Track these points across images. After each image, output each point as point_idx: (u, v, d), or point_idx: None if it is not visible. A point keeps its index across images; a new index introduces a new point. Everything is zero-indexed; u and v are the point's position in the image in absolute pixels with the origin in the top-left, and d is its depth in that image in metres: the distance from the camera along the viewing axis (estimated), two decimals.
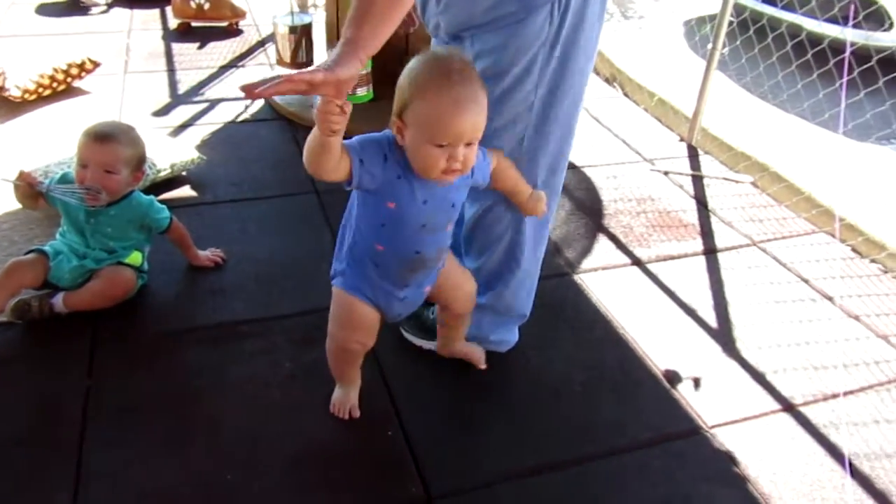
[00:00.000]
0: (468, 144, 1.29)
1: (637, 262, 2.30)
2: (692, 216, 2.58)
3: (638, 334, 1.97)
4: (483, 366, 1.80)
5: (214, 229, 2.26)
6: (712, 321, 2.06)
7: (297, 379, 1.75)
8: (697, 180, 2.85)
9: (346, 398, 1.67)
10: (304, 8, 4.01)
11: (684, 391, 1.80)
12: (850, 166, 2.90)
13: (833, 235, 2.51)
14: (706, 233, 2.48)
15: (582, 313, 2.06)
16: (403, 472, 1.54)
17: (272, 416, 1.64)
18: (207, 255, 2.10)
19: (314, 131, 1.18)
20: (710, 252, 2.38)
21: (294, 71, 3.16)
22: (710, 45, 2.94)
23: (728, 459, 1.63)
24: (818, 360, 1.93)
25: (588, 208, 2.58)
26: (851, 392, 1.83)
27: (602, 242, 2.38)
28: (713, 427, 1.70)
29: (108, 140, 1.82)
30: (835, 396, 1.81)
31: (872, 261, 2.40)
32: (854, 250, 2.45)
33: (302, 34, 3.13)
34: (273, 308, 1.96)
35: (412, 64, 1.30)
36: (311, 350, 1.82)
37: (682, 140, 3.15)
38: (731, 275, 2.27)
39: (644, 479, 1.57)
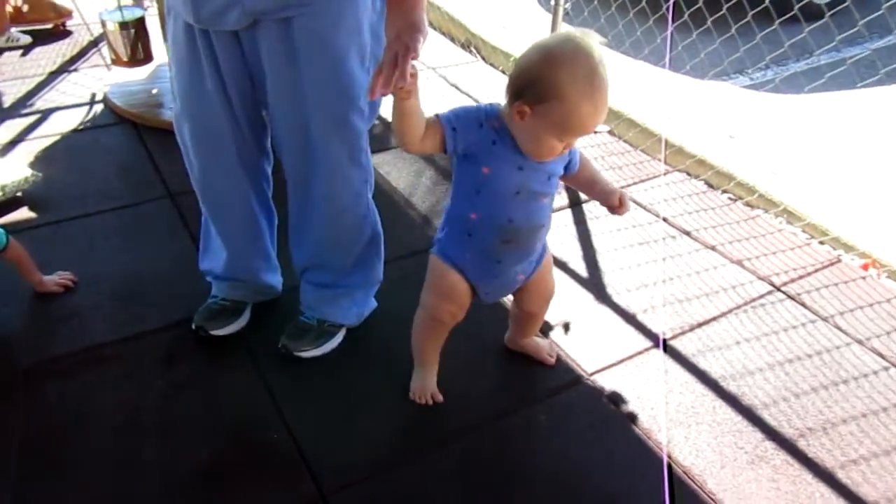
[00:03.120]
0: None
1: None
2: None
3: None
4: (552, 361, 1.77)
5: (60, 251, 2.09)
6: (583, 271, 2.12)
7: (171, 397, 1.66)
8: None
9: (425, 383, 1.67)
10: (136, 0, 3.74)
11: (563, 343, 1.84)
12: (694, 103, 3.05)
13: (688, 173, 2.65)
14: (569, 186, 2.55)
15: None
16: (293, 473, 1.50)
17: (148, 442, 1.55)
18: (54, 279, 1.94)
19: (393, 102, 1.22)
20: (576, 204, 2.44)
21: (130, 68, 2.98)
22: (552, 2, 2.99)
23: (610, 403, 1.69)
24: (682, 294, 2.03)
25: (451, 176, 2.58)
26: (714, 318, 1.94)
27: None
28: (593, 374, 1.76)
29: None
30: (700, 325, 1.92)
31: (723, 192, 2.54)
32: (707, 184, 2.59)
33: (135, 29, 2.92)
34: (136, 325, 1.84)
35: (550, 54, 1.24)
36: (184, 363, 1.73)
37: None
38: (597, 224, 2.34)
39: (533, 437, 1.60)
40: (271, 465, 1.52)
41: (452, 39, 3.84)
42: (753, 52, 2.92)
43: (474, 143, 1.35)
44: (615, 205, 1.47)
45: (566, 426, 1.63)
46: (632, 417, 1.65)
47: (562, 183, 1.49)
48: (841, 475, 1.52)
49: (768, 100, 3.10)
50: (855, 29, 2.41)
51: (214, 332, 1.80)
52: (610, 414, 1.66)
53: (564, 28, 3.23)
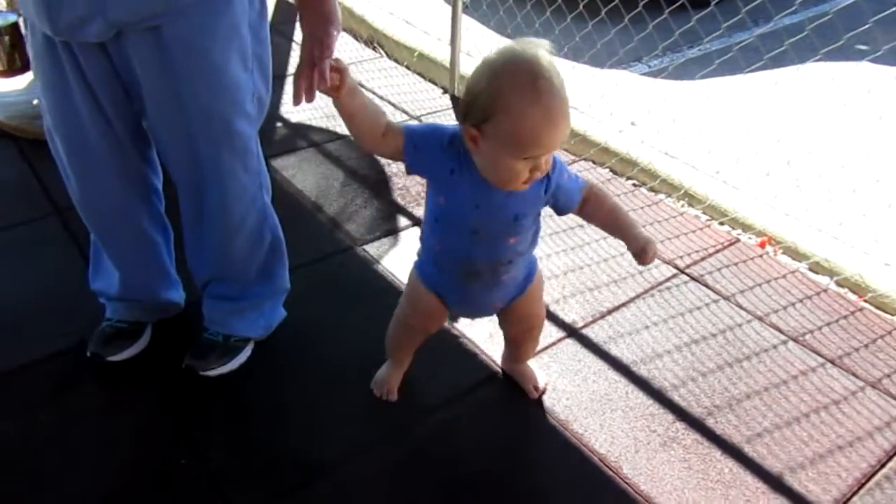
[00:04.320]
0: None
1: (417, 222, 2.30)
2: None
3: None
4: (535, 395, 1.68)
5: None
6: None
7: (63, 430, 1.55)
8: None
9: (386, 377, 1.65)
10: (10, 5, 3.50)
11: (476, 338, 1.83)
12: (595, 92, 3.11)
13: (593, 161, 2.69)
14: None
15: (372, 285, 2.03)
16: (204, 498, 1.43)
17: (36, 485, 1.44)
18: None
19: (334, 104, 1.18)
20: None
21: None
22: None
23: (526, 396, 1.69)
24: (591, 282, 2.06)
25: (361, 177, 2.54)
26: (623, 305, 1.98)
27: (380, 209, 2.36)
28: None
29: None
30: (610, 312, 1.95)
31: (627, 178, 2.60)
32: (612, 171, 2.64)
33: (9, 36, 2.72)
34: (20, 356, 1.71)
35: (490, 68, 1.14)
36: (77, 394, 1.62)
37: (445, 92, 3.19)
38: None
39: (454, 436, 1.59)
40: (180, 494, 1.44)
41: (355, 36, 3.77)
42: (648, 40, 3.00)
43: (431, 168, 1.26)
44: (638, 255, 1.30)
45: (486, 423, 1.62)
46: (548, 410, 1.66)
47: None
48: (748, 449, 1.58)
49: (665, 86, 3.19)
50: (739, 17, 2.51)
51: (112, 359, 1.70)
52: (527, 408, 1.67)
53: (465, 21, 3.23)
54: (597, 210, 1.36)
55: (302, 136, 2.76)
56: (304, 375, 1.72)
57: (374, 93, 3.15)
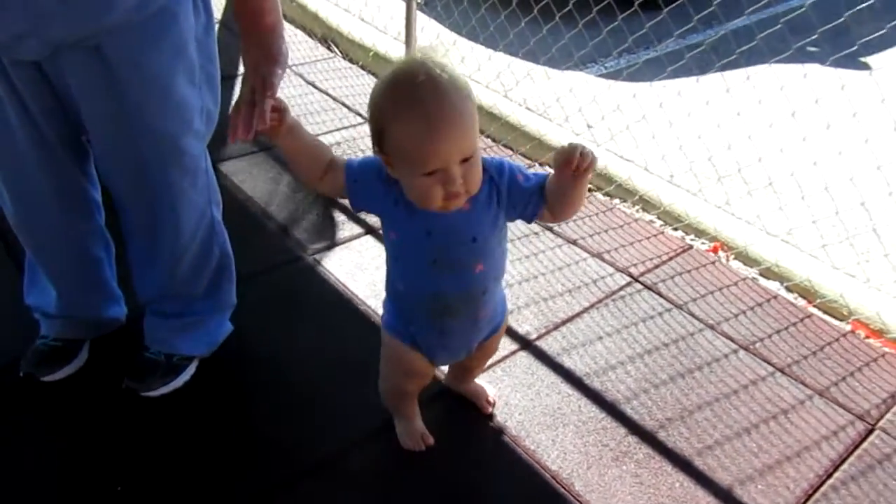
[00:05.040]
0: (465, 160, 1.08)
1: (370, 230, 2.26)
2: None
3: (380, 307, 1.94)
4: (489, 410, 1.64)
5: None
6: None
7: None
8: None
9: (412, 428, 1.54)
10: None
11: None
12: (552, 94, 3.10)
13: (549, 166, 2.68)
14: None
15: (323, 296, 1.98)
16: None
17: None
18: None
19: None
20: None
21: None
22: None
23: (477, 411, 1.67)
24: (546, 292, 2.04)
25: None
26: (577, 315, 1.97)
27: (332, 216, 2.31)
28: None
29: None
30: (564, 323, 1.94)
31: None
32: None
33: None
34: None
35: (374, 88, 1.10)
36: (8, 414, 1.55)
37: None
38: None
39: (407, 455, 1.55)
40: None
41: (310, 34, 3.70)
42: (602, 44, 3.00)
43: (374, 201, 1.20)
44: (575, 163, 1.08)
45: (441, 441, 1.58)
46: (501, 426, 1.64)
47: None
48: (699, 462, 1.58)
49: (620, 89, 3.19)
50: (691, 25, 2.52)
51: (47, 379, 1.62)
52: (478, 424, 1.64)
53: (421, 20, 3.18)
54: (551, 200, 1.19)
55: (253, 140, 2.68)
56: (251, 392, 1.67)
57: (328, 94, 3.09)
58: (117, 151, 1.36)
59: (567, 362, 1.81)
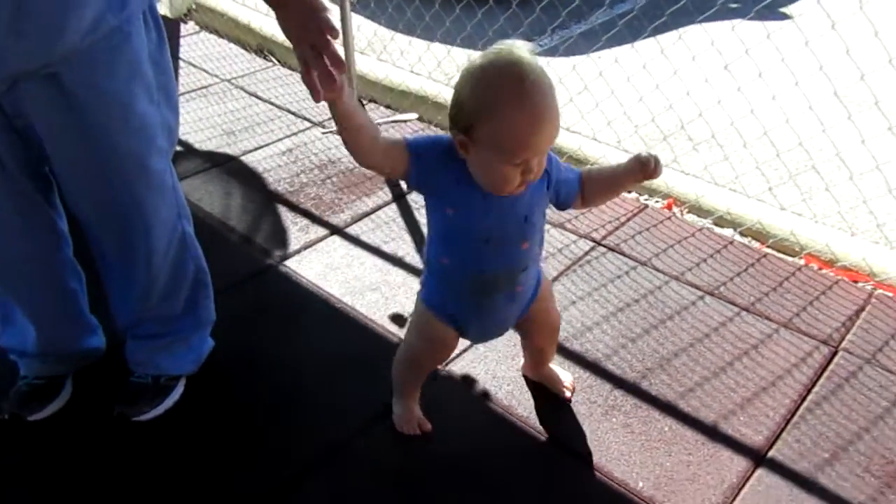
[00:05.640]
0: None
1: (335, 230, 2.28)
2: None
3: (357, 302, 1.97)
4: (569, 395, 1.67)
5: None
6: (417, 262, 2.13)
7: None
8: None
9: (409, 413, 1.58)
10: None
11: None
12: None
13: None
14: (391, 180, 2.54)
15: (299, 301, 2.00)
16: None
17: None
18: None
19: (335, 118, 1.11)
20: (400, 197, 2.44)
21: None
22: None
23: (468, 388, 1.71)
24: None
25: (271, 191, 2.49)
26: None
27: (295, 222, 2.32)
28: (447, 364, 1.77)
29: None
30: None
31: None
32: None
33: None
34: None
35: (473, 73, 1.12)
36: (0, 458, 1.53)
37: None
38: (422, 212, 2.35)
39: (406, 438, 1.59)
40: None
41: (244, 46, 3.68)
42: (536, 22, 3.07)
43: (436, 178, 1.21)
44: (650, 171, 1.27)
45: (436, 422, 1.62)
46: (492, 398, 1.68)
47: None
48: (682, 405, 1.66)
49: (559, 64, 3.27)
50: None
51: (33, 418, 1.61)
52: (472, 399, 1.69)
53: (356, 20, 3.20)
54: (593, 190, 1.35)
55: (203, 157, 2.67)
56: (243, 406, 1.69)
57: (272, 103, 3.09)
58: (84, 177, 1.36)
59: None
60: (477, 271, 1.30)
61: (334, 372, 1.76)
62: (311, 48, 1.05)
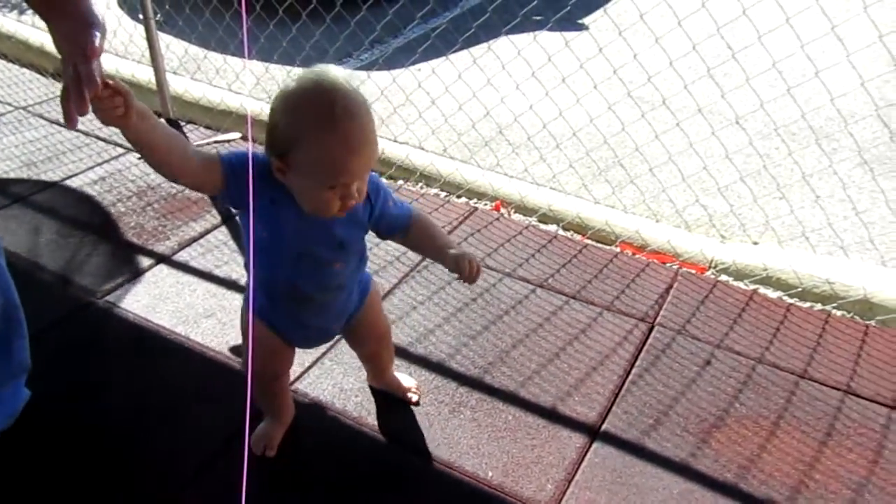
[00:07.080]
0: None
1: (161, 258, 2.16)
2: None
3: (192, 332, 1.88)
4: (415, 400, 1.69)
5: None
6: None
7: None
8: None
9: (263, 433, 1.56)
10: None
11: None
12: None
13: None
14: (216, 201, 2.45)
15: (126, 336, 1.87)
16: None
17: None
18: None
19: (124, 134, 1.04)
20: (229, 219, 2.36)
21: None
22: (141, 16, 2.80)
23: (316, 405, 1.69)
24: None
25: (86, 224, 2.31)
26: (390, 292, 2.06)
27: (117, 254, 2.17)
28: (294, 382, 1.74)
29: None
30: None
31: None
32: None
33: None
34: None
35: (286, 99, 1.12)
36: None
37: (160, 117, 3.00)
38: None
39: (259, 464, 1.54)
40: None
41: (40, 71, 3.38)
42: (353, 37, 3.10)
43: (248, 197, 1.16)
44: (464, 272, 1.30)
45: (290, 439, 1.59)
46: (340, 411, 1.68)
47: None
48: (524, 393, 1.75)
49: (380, 77, 3.33)
50: (429, 7, 2.70)
51: None
52: (322, 414, 1.67)
53: (165, 39, 3.06)
54: (420, 238, 1.38)
55: (1, 191, 2.42)
56: (69, 457, 1.55)
57: (78, 129, 2.86)
58: None
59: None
60: (289, 286, 1.31)
61: (170, 406, 1.67)
62: (74, 66, 0.97)
